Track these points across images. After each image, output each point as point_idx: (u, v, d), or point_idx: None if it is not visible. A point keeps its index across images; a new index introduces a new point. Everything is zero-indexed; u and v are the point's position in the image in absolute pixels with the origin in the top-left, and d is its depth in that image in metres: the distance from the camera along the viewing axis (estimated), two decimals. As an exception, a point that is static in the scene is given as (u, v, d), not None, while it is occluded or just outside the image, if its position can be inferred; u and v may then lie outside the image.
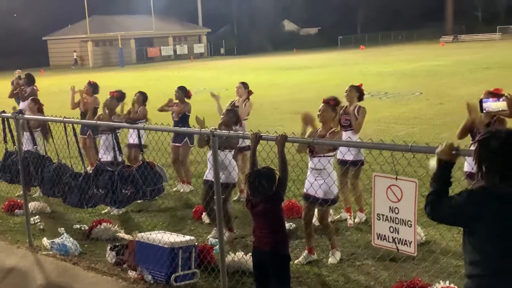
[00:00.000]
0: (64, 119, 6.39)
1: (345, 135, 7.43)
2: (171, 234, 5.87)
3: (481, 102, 3.46)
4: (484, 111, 3.47)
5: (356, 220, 7.36)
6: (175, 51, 64.98)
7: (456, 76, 26.26)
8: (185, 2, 68.95)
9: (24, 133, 8.09)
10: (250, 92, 9.41)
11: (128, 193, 6.21)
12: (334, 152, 6.14)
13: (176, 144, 9.46)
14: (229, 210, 7.04)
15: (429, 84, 23.39)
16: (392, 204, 3.88)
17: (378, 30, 75.70)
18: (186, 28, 68.96)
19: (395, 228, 3.89)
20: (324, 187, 5.89)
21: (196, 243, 5.99)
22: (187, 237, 5.94)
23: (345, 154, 6.94)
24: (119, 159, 7.72)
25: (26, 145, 8.13)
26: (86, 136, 10.09)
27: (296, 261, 6.09)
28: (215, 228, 7.17)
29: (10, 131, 8.09)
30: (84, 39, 59.78)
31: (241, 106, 9.11)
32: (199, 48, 67.82)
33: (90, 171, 6.75)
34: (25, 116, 7.28)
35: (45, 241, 7.02)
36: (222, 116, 7.21)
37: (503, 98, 3.42)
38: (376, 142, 3.97)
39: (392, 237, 3.92)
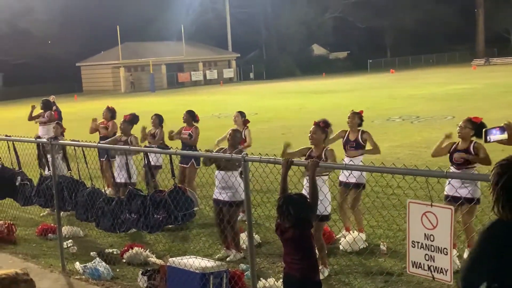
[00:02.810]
0: (99, 144, 6.49)
1: (349, 161, 7.72)
2: (202, 259, 5.86)
3: (486, 132, 3.41)
4: (487, 141, 3.43)
5: (356, 239, 7.30)
6: (205, 76, 65.63)
7: (488, 99, 25.89)
8: (215, 28, 69.80)
9: (58, 158, 8.24)
10: (246, 121, 9.67)
11: (160, 217, 6.24)
12: (328, 172, 6.52)
13: (183, 165, 9.67)
14: (237, 229, 7.38)
15: (461, 108, 23.08)
16: (427, 231, 3.81)
17: (408, 53, 75.29)
18: (215, 53, 69.71)
19: (431, 256, 3.81)
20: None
21: (228, 268, 5.97)
22: (219, 262, 5.92)
23: (348, 176, 7.41)
24: (134, 179, 8.09)
25: (60, 170, 8.28)
26: (104, 160, 10.29)
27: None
28: (224, 248, 7.30)
29: (45, 156, 8.26)
30: (116, 65, 60.88)
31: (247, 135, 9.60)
32: (229, 73, 68.39)
33: (107, 192, 7.04)
34: (59, 141, 7.42)
35: (78, 265, 7.08)
36: (228, 138, 7.47)
37: (505, 127, 3.38)
38: (410, 168, 3.93)
39: (428, 265, 3.85)
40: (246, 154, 5.00)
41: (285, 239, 4.50)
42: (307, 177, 6.21)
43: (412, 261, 3.94)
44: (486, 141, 3.43)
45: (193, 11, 64.61)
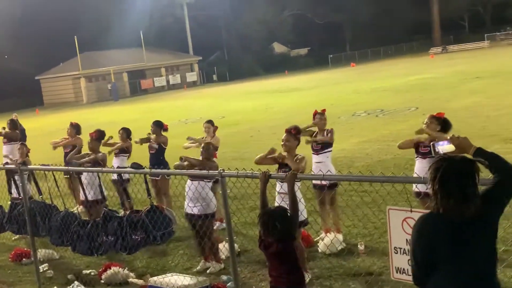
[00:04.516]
0: (68, 167, 6.38)
1: (317, 159, 7.92)
2: (184, 276, 5.82)
3: (433, 145, 3.59)
4: (436, 153, 3.59)
5: (333, 241, 7.36)
6: (168, 81, 65.22)
7: (449, 88, 26.35)
8: (175, 32, 69.42)
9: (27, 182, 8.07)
10: (215, 128, 9.78)
11: (138, 238, 6.17)
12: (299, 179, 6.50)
13: (155, 178, 9.57)
14: (214, 240, 7.27)
15: (423, 99, 23.48)
16: (408, 236, 3.85)
17: (367, 46, 76.15)
18: (177, 57, 69.34)
19: (414, 261, 3.85)
20: None
21: (210, 283, 5.94)
22: (201, 278, 5.89)
23: (321, 179, 7.31)
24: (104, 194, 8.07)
25: (28, 190, 8.09)
26: (68, 176, 10.12)
27: None
28: (202, 260, 7.27)
29: (13, 177, 8.09)
30: (76, 76, 60.00)
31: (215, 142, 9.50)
32: (192, 76, 68.12)
33: (79, 210, 6.99)
34: (29, 167, 7.27)
35: (56, 290, 6.95)
36: (202, 151, 7.52)
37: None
38: (388, 176, 3.97)
39: (412, 270, 3.89)
40: (223, 170, 4.99)
41: (270, 254, 4.50)
42: (280, 183, 6.26)
43: (395, 267, 3.98)
44: (435, 152, 3.62)
45: (151, 16, 64.10)
